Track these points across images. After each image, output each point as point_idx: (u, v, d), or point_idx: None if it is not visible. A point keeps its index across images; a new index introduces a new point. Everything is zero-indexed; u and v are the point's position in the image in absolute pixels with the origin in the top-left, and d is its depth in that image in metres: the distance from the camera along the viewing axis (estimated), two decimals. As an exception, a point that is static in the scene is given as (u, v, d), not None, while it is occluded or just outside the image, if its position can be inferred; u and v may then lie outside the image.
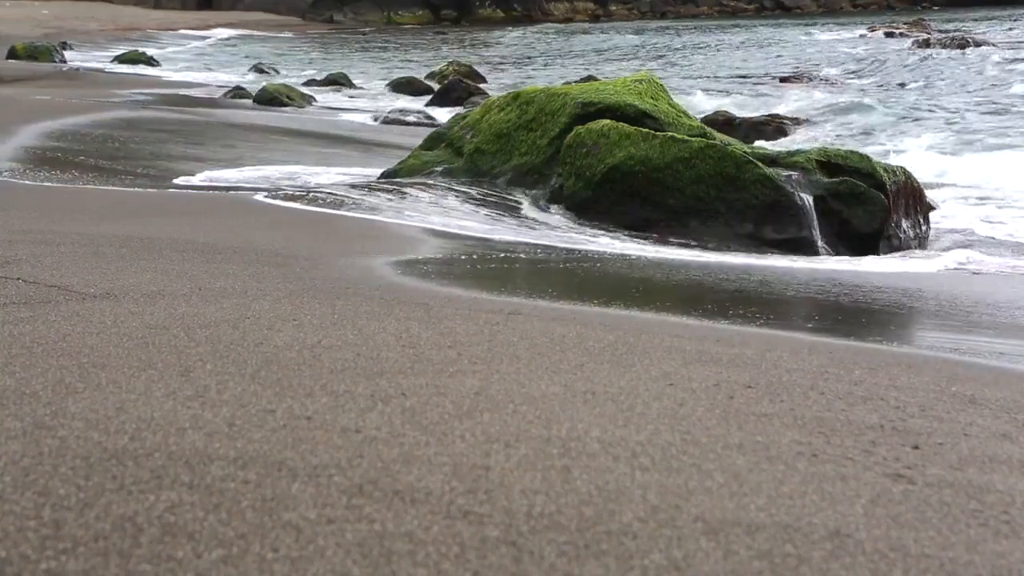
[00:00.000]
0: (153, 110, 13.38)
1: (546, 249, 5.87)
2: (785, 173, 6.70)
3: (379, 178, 8.15)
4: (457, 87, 18.67)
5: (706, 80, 23.46)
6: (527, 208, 7.15)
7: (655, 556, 1.70)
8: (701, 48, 35.33)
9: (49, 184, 6.90)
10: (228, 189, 7.30)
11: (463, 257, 5.27)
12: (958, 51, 25.94)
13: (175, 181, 7.80)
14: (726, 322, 3.93)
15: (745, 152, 6.81)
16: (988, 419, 2.64)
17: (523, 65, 30.61)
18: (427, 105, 17.33)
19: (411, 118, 14.96)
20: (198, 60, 31.51)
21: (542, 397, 2.49)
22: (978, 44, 26.88)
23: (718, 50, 33.83)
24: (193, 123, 12.16)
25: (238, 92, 17.66)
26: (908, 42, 29.31)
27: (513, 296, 4.10)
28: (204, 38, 45.18)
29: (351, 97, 19.31)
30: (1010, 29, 35.45)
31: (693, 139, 6.88)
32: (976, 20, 43.20)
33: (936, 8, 59.55)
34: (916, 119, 15.56)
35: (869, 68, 24.40)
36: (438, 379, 2.59)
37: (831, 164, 6.84)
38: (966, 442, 2.42)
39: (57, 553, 1.59)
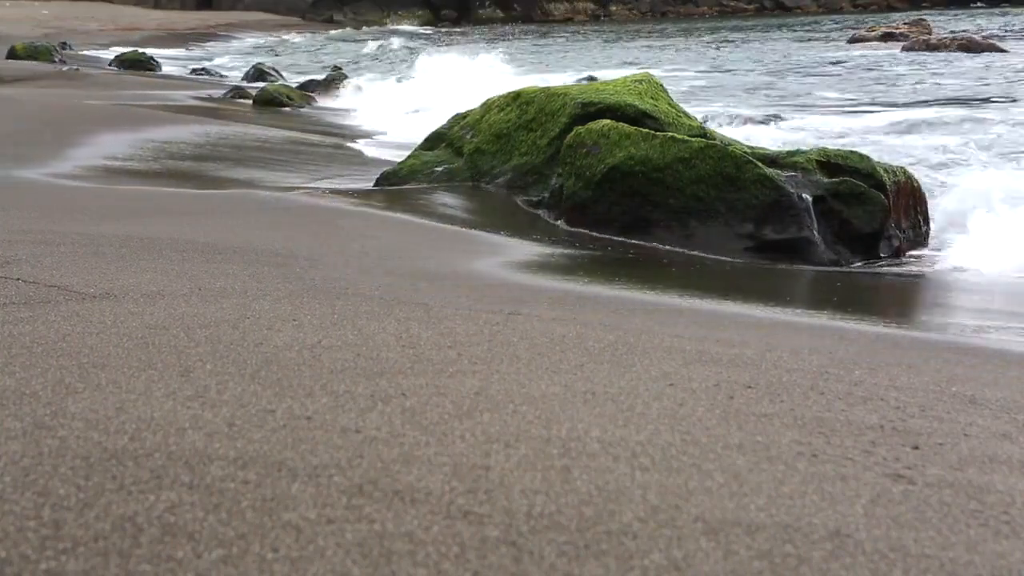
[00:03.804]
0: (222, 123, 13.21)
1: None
2: (785, 173, 6.70)
3: (377, 180, 8.13)
4: (457, 87, 18.64)
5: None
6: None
7: (655, 556, 1.70)
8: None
9: (48, 182, 6.89)
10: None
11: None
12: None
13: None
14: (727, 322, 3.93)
15: (745, 152, 6.81)
16: (988, 419, 2.64)
17: (523, 65, 30.57)
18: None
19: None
20: (198, 61, 31.51)
21: (542, 397, 2.49)
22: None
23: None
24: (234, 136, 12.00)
25: (238, 92, 17.63)
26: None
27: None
28: (206, 38, 45.20)
29: (348, 102, 19.28)
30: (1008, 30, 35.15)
31: (693, 139, 6.87)
32: (976, 19, 43.07)
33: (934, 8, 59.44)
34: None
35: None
36: (438, 379, 2.59)
37: (831, 164, 6.84)
38: (966, 442, 2.42)
39: (57, 553, 1.59)
